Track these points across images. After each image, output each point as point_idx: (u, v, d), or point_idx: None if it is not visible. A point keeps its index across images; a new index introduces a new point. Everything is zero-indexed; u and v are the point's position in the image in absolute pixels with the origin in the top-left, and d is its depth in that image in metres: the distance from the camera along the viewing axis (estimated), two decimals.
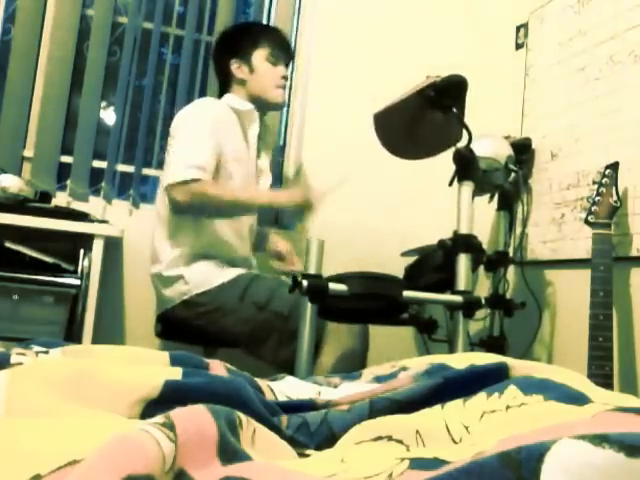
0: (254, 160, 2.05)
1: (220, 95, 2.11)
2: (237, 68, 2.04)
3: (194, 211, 1.88)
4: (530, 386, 0.70)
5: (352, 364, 1.76)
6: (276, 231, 2.32)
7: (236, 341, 1.90)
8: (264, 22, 2.50)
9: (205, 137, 1.88)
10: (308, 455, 0.66)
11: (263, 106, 2.08)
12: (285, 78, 2.07)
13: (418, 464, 0.53)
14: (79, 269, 1.94)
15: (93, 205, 2.26)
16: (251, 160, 2.03)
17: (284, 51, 2.09)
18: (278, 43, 2.08)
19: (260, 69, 2.04)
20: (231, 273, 1.92)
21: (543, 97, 2.43)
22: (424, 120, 1.77)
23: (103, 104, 2.40)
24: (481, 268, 2.24)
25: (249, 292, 1.88)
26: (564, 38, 2.34)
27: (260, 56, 2.04)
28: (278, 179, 2.50)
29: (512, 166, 2.21)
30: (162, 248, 1.94)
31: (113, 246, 2.23)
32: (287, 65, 2.11)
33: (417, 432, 0.63)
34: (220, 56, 2.10)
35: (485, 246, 2.12)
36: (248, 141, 2.02)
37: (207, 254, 1.92)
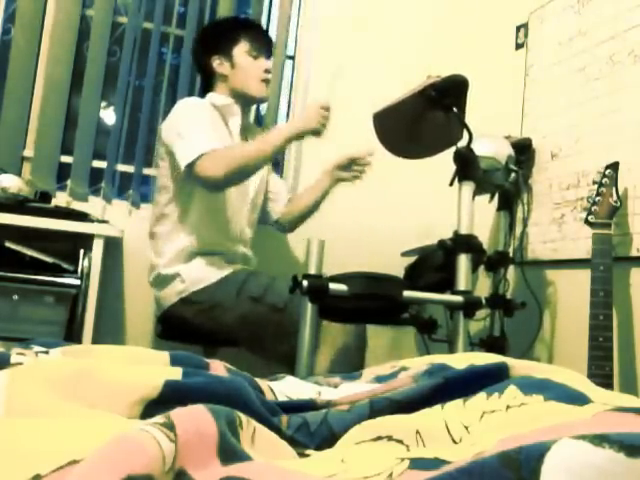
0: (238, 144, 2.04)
1: (203, 93, 2.12)
2: (219, 64, 2.05)
3: (231, 179, 1.82)
4: (530, 386, 0.70)
5: (348, 363, 1.76)
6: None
7: (235, 338, 1.90)
8: (266, 23, 2.50)
9: (207, 121, 1.90)
10: (308, 455, 0.66)
11: (246, 101, 2.08)
12: (268, 71, 2.06)
13: (418, 464, 0.53)
14: (79, 269, 1.94)
15: (93, 205, 2.26)
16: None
17: (264, 44, 2.08)
18: (257, 37, 2.07)
19: (241, 64, 2.04)
20: (227, 269, 1.92)
21: (543, 97, 2.43)
22: (425, 120, 1.77)
23: (103, 104, 2.40)
24: (481, 268, 2.24)
25: (245, 287, 1.88)
26: (564, 38, 2.34)
27: (240, 51, 2.04)
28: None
29: (512, 166, 2.21)
30: (160, 250, 1.94)
31: (113, 246, 2.23)
32: (268, 57, 2.10)
33: (417, 432, 0.63)
34: (201, 53, 2.10)
35: (485, 246, 2.12)
36: (232, 135, 2.02)
37: (205, 251, 1.92)
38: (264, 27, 2.23)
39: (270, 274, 1.99)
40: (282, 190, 2.24)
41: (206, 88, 2.11)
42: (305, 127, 1.83)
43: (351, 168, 2.13)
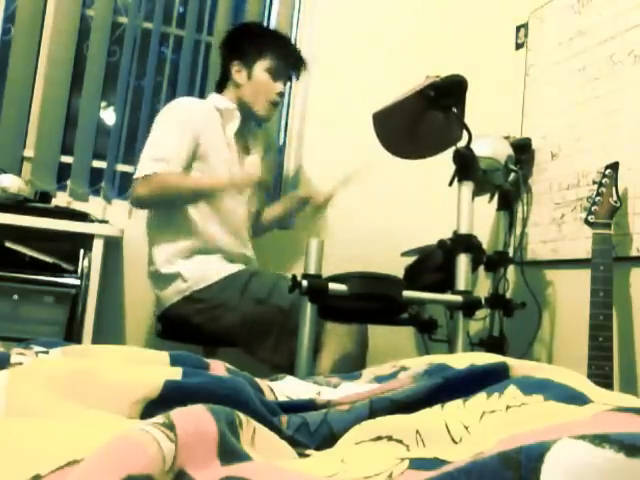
0: (235, 156, 2.05)
1: (216, 88, 2.12)
2: (237, 71, 2.05)
3: (154, 203, 1.93)
4: (530, 386, 0.70)
5: (351, 366, 1.75)
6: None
7: (236, 339, 1.90)
8: (265, 23, 2.50)
9: (173, 131, 1.91)
10: (308, 455, 0.66)
11: (248, 114, 2.08)
12: (280, 95, 2.07)
13: (418, 464, 0.53)
14: (79, 269, 1.94)
15: (93, 205, 2.26)
16: (232, 156, 2.03)
17: (288, 66, 2.08)
18: (284, 58, 2.06)
19: (258, 79, 2.04)
20: (230, 269, 1.92)
21: (543, 97, 2.43)
22: (424, 120, 1.77)
23: (103, 104, 2.40)
24: (481, 268, 2.24)
25: (249, 287, 1.87)
26: (564, 38, 2.33)
27: (262, 66, 2.04)
28: (278, 179, 2.50)
29: (512, 166, 2.21)
30: (156, 246, 1.94)
31: (113, 246, 2.23)
32: (288, 80, 2.11)
33: (417, 432, 0.63)
34: (225, 53, 2.10)
35: (485, 246, 2.12)
36: (226, 138, 2.02)
37: (202, 250, 1.92)
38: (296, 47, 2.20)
39: (273, 274, 1.99)
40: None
41: (219, 84, 2.11)
42: (239, 184, 1.94)
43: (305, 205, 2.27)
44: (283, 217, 2.30)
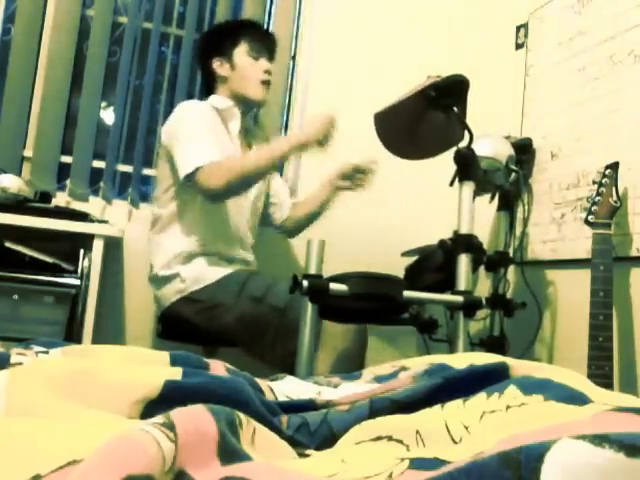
0: (240, 153, 2.04)
1: (205, 95, 2.12)
2: (219, 66, 2.05)
3: (232, 190, 1.83)
4: (530, 386, 0.70)
5: (349, 365, 1.75)
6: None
7: (234, 338, 1.90)
8: (265, 24, 2.50)
9: (206, 128, 1.90)
10: (308, 455, 0.66)
11: (245, 104, 2.07)
12: (268, 72, 2.06)
13: (418, 464, 0.53)
14: (79, 269, 1.94)
15: (93, 205, 2.26)
16: (237, 153, 2.03)
17: (264, 45, 2.08)
18: (257, 38, 2.07)
19: (241, 65, 2.04)
20: (226, 270, 1.92)
21: (543, 97, 2.43)
22: (425, 120, 1.77)
23: (103, 104, 2.40)
24: (481, 268, 2.24)
25: (246, 287, 1.88)
26: (564, 38, 2.33)
27: (241, 52, 2.04)
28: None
29: (512, 166, 2.21)
30: (158, 249, 1.94)
31: (113, 246, 2.23)
32: (270, 59, 2.10)
33: (417, 432, 0.63)
34: (202, 56, 2.11)
35: (485, 246, 2.12)
36: (231, 137, 2.02)
37: (203, 252, 1.92)
38: (266, 28, 2.22)
39: (271, 275, 1.99)
40: (286, 195, 2.25)
41: (208, 91, 2.11)
42: (309, 138, 1.80)
43: (354, 177, 2.11)
44: (323, 206, 2.17)
